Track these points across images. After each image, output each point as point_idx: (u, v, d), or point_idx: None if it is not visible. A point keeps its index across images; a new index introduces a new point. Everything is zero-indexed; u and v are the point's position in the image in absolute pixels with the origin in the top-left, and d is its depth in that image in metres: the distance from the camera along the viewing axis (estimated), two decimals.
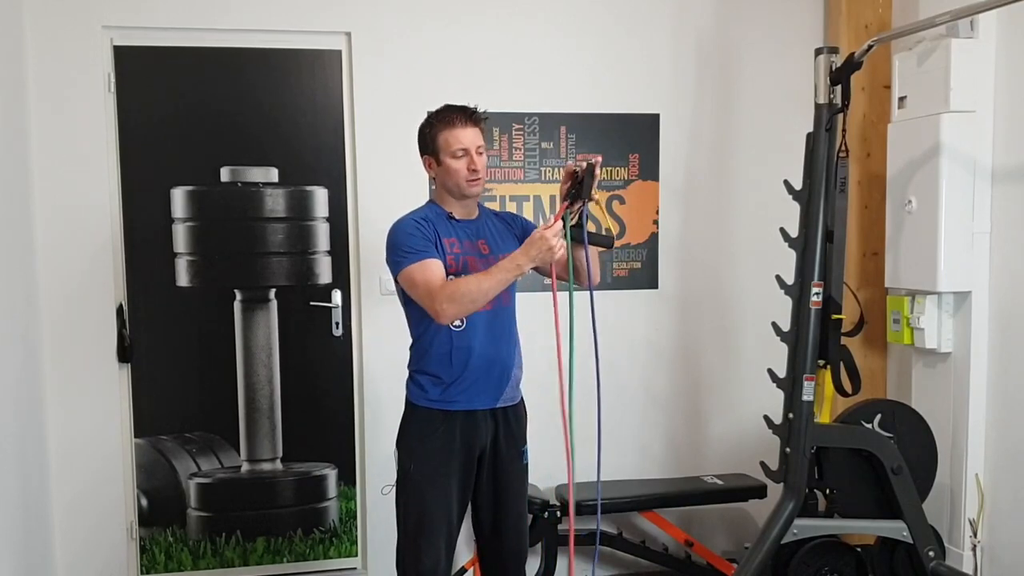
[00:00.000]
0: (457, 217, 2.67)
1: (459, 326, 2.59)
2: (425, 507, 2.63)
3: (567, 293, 2.48)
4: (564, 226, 2.44)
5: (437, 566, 2.65)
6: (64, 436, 3.49)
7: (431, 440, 2.63)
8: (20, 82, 3.31)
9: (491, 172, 3.76)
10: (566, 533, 3.55)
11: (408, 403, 2.71)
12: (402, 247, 2.59)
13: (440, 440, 2.63)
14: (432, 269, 2.53)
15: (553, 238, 2.40)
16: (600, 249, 2.59)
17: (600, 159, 2.50)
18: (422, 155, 2.67)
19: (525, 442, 2.78)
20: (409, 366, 2.72)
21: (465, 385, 2.62)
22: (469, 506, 2.76)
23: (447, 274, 2.56)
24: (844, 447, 3.19)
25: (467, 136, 2.58)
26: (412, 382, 2.70)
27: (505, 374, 2.68)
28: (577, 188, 2.45)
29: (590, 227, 2.48)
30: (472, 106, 2.62)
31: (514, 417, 2.73)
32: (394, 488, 2.73)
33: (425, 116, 2.66)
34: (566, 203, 2.46)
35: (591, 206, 2.48)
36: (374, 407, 3.75)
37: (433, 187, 2.76)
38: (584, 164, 2.46)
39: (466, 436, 2.64)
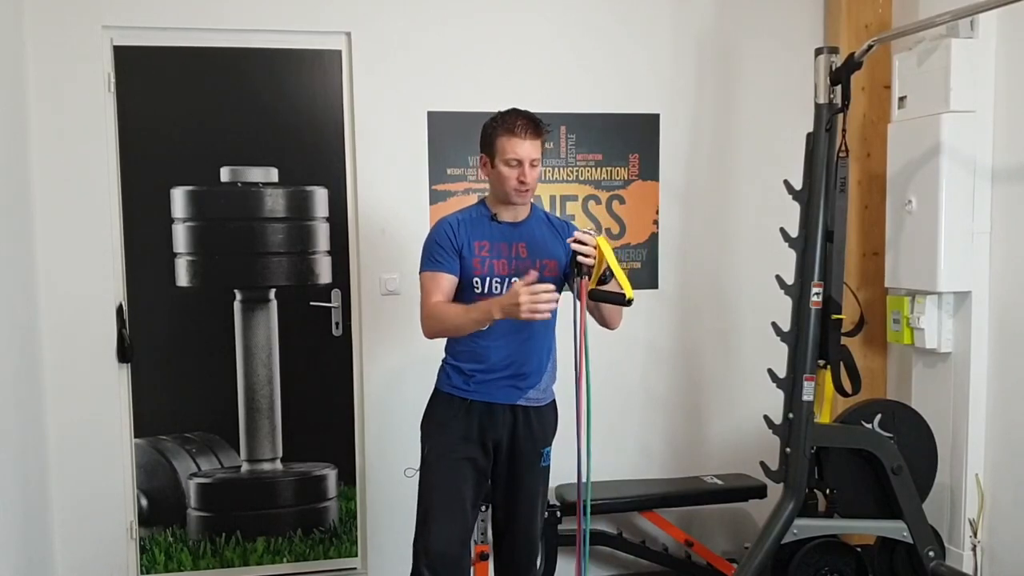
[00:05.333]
0: (500, 219, 2.71)
1: None
2: (436, 491, 2.70)
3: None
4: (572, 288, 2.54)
5: (447, 552, 2.67)
6: (64, 436, 3.48)
7: (449, 426, 2.71)
8: (20, 82, 3.31)
9: None
10: (566, 533, 3.57)
11: (434, 388, 2.80)
12: (427, 251, 2.70)
13: (457, 427, 2.70)
14: (437, 283, 2.64)
15: (523, 296, 2.38)
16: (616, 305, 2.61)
17: (589, 240, 2.48)
18: (480, 152, 2.71)
19: (548, 445, 2.80)
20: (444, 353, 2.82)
21: (485, 379, 2.69)
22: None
23: (473, 275, 2.65)
24: (844, 447, 3.19)
25: (524, 148, 2.60)
26: (441, 369, 2.79)
27: (528, 377, 2.72)
28: (576, 268, 2.51)
29: (608, 286, 2.52)
30: (538, 117, 2.65)
31: (536, 417, 2.76)
32: (418, 471, 2.79)
33: (492, 114, 2.69)
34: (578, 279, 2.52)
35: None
36: (374, 407, 3.74)
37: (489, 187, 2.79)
38: (575, 246, 2.49)
39: (483, 427, 2.70)
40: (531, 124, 2.62)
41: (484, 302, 2.54)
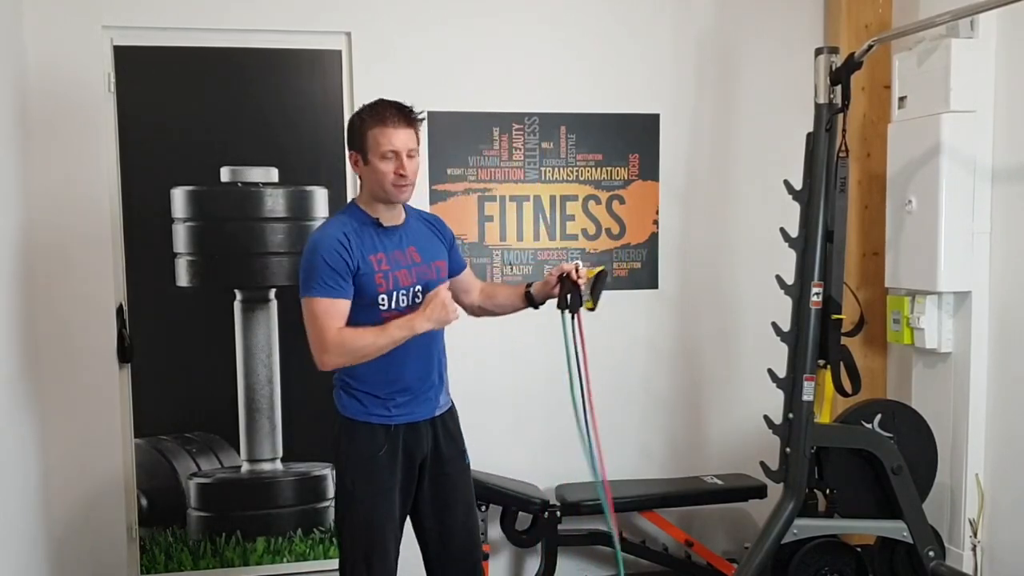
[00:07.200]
0: (384, 224, 2.53)
1: None
2: (375, 524, 2.55)
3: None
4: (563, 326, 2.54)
5: None
6: (64, 436, 3.48)
7: (377, 456, 2.55)
8: (20, 82, 3.31)
9: (491, 172, 3.76)
10: (566, 533, 3.57)
11: (346, 419, 2.58)
12: (317, 275, 2.43)
13: (385, 457, 2.55)
14: (337, 310, 2.43)
15: (447, 297, 2.43)
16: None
17: (581, 270, 2.55)
18: (349, 150, 2.52)
19: (463, 439, 2.73)
20: (338, 376, 2.60)
21: (404, 399, 2.56)
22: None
23: (378, 293, 2.48)
24: (844, 447, 3.20)
25: (399, 138, 2.42)
26: (347, 396, 2.58)
27: (436, 386, 2.64)
28: (569, 298, 2.55)
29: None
30: (408, 105, 2.49)
31: (451, 421, 2.70)
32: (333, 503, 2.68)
33: (357, 108, 2.57)
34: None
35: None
36: None
37: (359, 187, 2.62)
38: (573, 271, 2.53)
39: (408, 447, 2.59)
40: (402, 113, 2.45)
41: (403, 319, 2.44)
